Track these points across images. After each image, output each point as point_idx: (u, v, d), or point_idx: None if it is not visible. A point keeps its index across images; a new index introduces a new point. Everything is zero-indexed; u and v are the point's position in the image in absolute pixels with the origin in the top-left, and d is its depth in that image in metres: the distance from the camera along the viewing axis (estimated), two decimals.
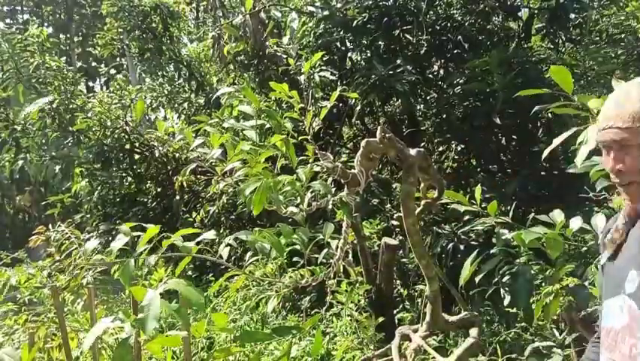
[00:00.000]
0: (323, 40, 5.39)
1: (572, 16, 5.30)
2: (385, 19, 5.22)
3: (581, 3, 5.22)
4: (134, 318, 1.41)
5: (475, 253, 2.60)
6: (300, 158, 2.21)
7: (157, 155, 7.16)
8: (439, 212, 4.62)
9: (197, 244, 1.76)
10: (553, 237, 2.13)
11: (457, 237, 4.36)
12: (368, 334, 3.87)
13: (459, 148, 5.46)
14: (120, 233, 1.61)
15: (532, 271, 2.90)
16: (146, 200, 7.56)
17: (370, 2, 5.25)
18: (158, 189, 7.50)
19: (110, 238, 1.65)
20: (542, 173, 4.82)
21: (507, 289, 2.75)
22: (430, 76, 5.57)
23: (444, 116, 5.43)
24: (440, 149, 5.72)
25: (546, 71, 4.71)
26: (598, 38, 5.74)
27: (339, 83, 5.29)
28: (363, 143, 2.04)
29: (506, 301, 2.73)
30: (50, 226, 5.16)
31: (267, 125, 2.21)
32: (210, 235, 1.76)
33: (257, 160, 2.03)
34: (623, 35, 5.69)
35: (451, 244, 4.35)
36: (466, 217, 3.74)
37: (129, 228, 1.67)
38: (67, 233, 4.30)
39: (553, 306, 2.60)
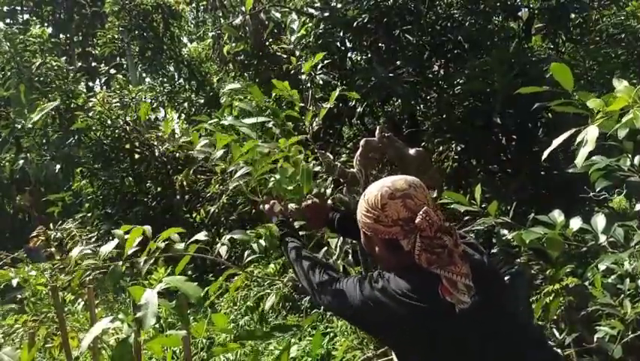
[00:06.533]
0: (323, 40, 5.38)
1: (572, 16, 5.29)
2: (385, 20, 5.21)
3: (581, 3, 5.20)
4: (133, 317, 1.41)
5: None
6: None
7: (157, 154, 7.16)
8: None
9: (196, 243, 1.76)
10: (553, 237, 2.12)
11: None
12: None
13: (459, 148, 5.45)
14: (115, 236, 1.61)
15: (532, 271, 2.90)
16: (146, 200, 7.56)
17: (371, 3, 5.24)
18: (159, 189, 7.50)
19: (110, 238, 1.65)
20: (542, 173, 4.81)
21: None
22: (430, 76, 5.56)
23: (444, 116, 5.42)
24: (440, 149, 5.70)
25: (546, 71, 4.71)
26: (598, 38, 5.73)
27: (339, 84, 5.28)
28: (362, 142, 2.05)
29: None
30: (51, 226, 5.15)
31: (269, 124, 2.21)
32: (201, 235, 1.77)
33: (267, 162, 2.03)
34: (623, 35, 5.67)
35: None
36: (467, 217, 3.74)
37: (129, 228, 1.67)
38: (71, 231, 4.30)
39: (553, 306, 2.59)
